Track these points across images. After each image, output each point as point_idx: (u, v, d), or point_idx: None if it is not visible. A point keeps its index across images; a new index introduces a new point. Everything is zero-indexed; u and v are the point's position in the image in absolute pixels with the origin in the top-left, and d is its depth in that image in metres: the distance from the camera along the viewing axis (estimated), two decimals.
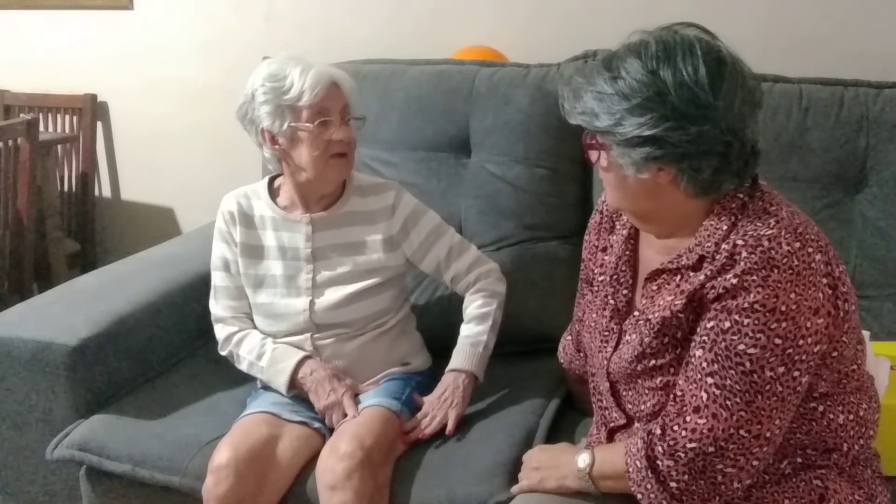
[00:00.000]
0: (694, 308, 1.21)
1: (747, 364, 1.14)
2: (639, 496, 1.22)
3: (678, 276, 1.25)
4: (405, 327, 1.83)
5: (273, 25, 2.80)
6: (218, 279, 1.81)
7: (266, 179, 1.82)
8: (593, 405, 1.45)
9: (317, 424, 1.66)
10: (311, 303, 1.72)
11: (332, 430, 1.63)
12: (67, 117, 3.17)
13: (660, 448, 1.19)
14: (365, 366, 1.74)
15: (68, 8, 3.07)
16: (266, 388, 1.76)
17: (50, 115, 3.18)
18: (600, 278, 1.40)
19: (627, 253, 1.36)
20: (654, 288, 1.28)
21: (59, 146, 3.10)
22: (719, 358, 1.16)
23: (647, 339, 1.26)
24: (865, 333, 1.32)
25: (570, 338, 1.62)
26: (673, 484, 1.19)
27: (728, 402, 1.15)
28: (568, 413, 1.73)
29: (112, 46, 3.06)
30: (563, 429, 1.69)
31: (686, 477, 1.18)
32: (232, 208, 1.79)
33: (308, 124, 1.65)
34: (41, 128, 2.96)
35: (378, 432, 1.55)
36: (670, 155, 1.17)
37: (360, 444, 1.50)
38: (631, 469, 1.23)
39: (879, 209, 1.86)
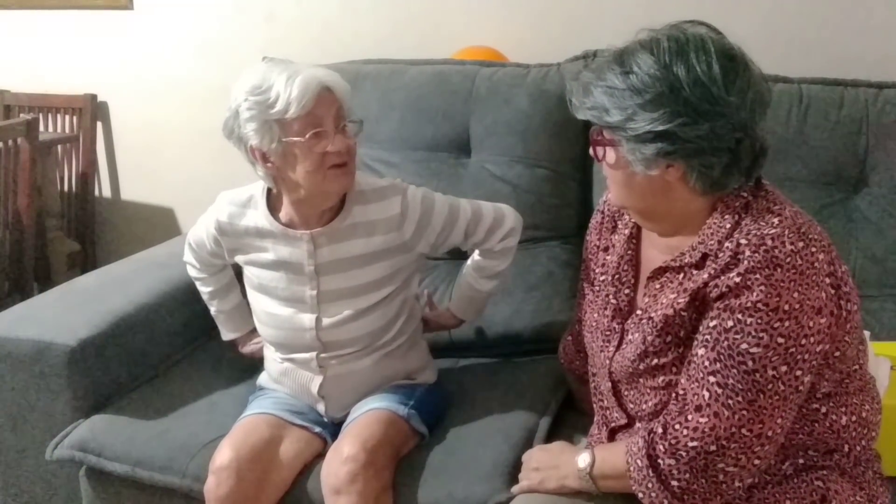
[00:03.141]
0: (696, 307, 1.21)
1: (749, 363, 1.14)
2: (640, 495, 1.22)
3: (681, 275, 1.25)
4: (413, 341, 1.76)
5: (273, 25, 2.80)
6: (190, 248, 1.80)
7: (264, 187, 1.66)
8: (594, 405, 1.45)
9: (317, 429, 1.66)
10: (318, 320, 1.64)
11: (333, 435, 1.63)
12: (67, 117, 3.17)
13: (661, 447, 1.19)
14: (371, 384, 1.68)
15: (68, 8, 3.07)
16: (267, 388, 1.76)
17: (50, 115, 3.18)
18: (602, 278, 1.40)
19: (629, 252, 1.36)
20: (657, 286, 1.28)
21: (59, 146, 3.10)
22: (722, 357, 1.16)
23: (649, 338, 1.26)
24: (866, 333, 1.32)
25: (570, 338, 1.62)
26: (674, 483, 1.18)
27: (730, 402, 1.15)
28: (568, 413, 1.73)
29: (112, 46, 3.06)
30: (563, 429, 1.68)
31: (687, 476, 1.18)
32: (222, 218, 1.68)
33: (299, 138, 1.51)
34: (41, 128, 2.97)
35: (381, 435, 1.54)
36: (682, 151, 1.16)
37: (363, 447, 1.50)
38: (632, 468, 1.23)
39: (879, 209, 1.86)
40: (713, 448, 1.16)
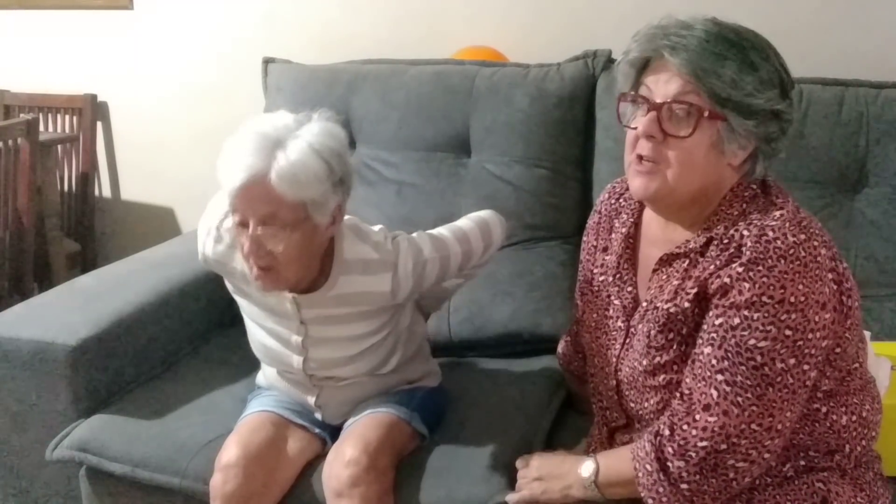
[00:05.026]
0: (700, 301, 1.21)
1: (758, 358, 1.13)
2: (650, 501, 1.21)
3: (686, 262, 1.24)
4: (414, 355, 1.72)
5: (273, 25, 2.80)
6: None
7: None
8: (593, 406, 1.45)
9: (316, 430, 1.65)
10: (306, 361, 1.59)
11: (332, 436, 1.63)
12: (67, 117, 3.17)
13: (670, 449, 1.19)
14: (368, 396, 1.66)
15: (68, 8, 3.07)
16: (267, 387, 1.76)
17: (50, 115, 3.18)
18: (601, 278, 1.40)
19: (628, 251, 1.36)
20: (664, 277, 1.28)
21: (59, 146, 3.10)
22: (729, 355, 1.15)
23: (653, 332, 1.25)
24: (866, 334, 1.32)
25: (569, 339, 1.62)
26: (684, 486, 1.18)
27: (739, 399, 1.14)
28: (568, 414, 1.73)
29: (112, 46, 3.06)
30: (563, 429, 1.69)
31: (697, 477, 1.17)
32: (208, 253, 1.55)
33: (231, 218, 1.40)
34: (41, 128, 2.97)
35: (383, 437, 1.53)
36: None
37: (364, 450, 1.49)
38: (640, 474, 1.22)
39: (879, 209, 1.86)
40: (724, 446, 1.15)
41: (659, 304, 1.26)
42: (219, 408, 1.77)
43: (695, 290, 1.21)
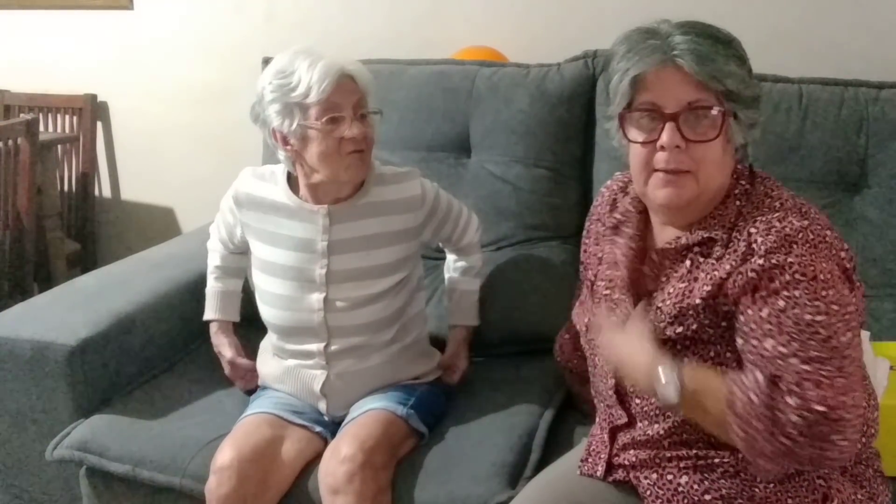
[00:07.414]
0: (714, 299, 1.19)
1: (822, 331, 1.10)
2: (736, 430, 1.11)
3: (688, 262, 1.24)
4: (420, 348, 1.77)
5: (273, 25, 2.80)
6: (220, 216, 1.83)
7: (284, 167, 1.72)
8: (597, 404, 1.44)
9: (318, 428, 1.66)
10: (326, 300, 1.65)
11: (333, 434, 1.63)
12: (67, 117, 3.16)
13: (789, 401, 1.07)
14: (374, 385, 1.69)
15: (68, 8, 3.07)
16: (268, 388, 1.76)
17: (50, 115, 3.18)
18: (605, 292, 1.38)
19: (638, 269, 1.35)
20: (664, 279, 1.27)
21: (59, 146, 3.09)
22: (793, 334, 1.11)
23: (661, 325, 1.24)
24: (865, 334, 1.32)
25: (567, 336, 1.61)
26: (784, 439, 1.08)
27: (823, 373, 1.08)
28: (568, 413, 1.73)
29: (112, 46, 3.06)
30: (563, 429, 1.69)
31: (802, 439, 1.07)
32: (241, 188, 1.73)
33: (317, 122, 1.57)
34: (41, 128, 2.96)
35: (379, 435, 1.54)
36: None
37: (360, 447, 1.50)
38: (738, 400, 1.10)
39: (879, 209, 1.86)
40: (831, 417, 1.05)
41: (661, 306, 1.25)
42: (219, 408, 1.77)
43: (708, 289, 1.20)
